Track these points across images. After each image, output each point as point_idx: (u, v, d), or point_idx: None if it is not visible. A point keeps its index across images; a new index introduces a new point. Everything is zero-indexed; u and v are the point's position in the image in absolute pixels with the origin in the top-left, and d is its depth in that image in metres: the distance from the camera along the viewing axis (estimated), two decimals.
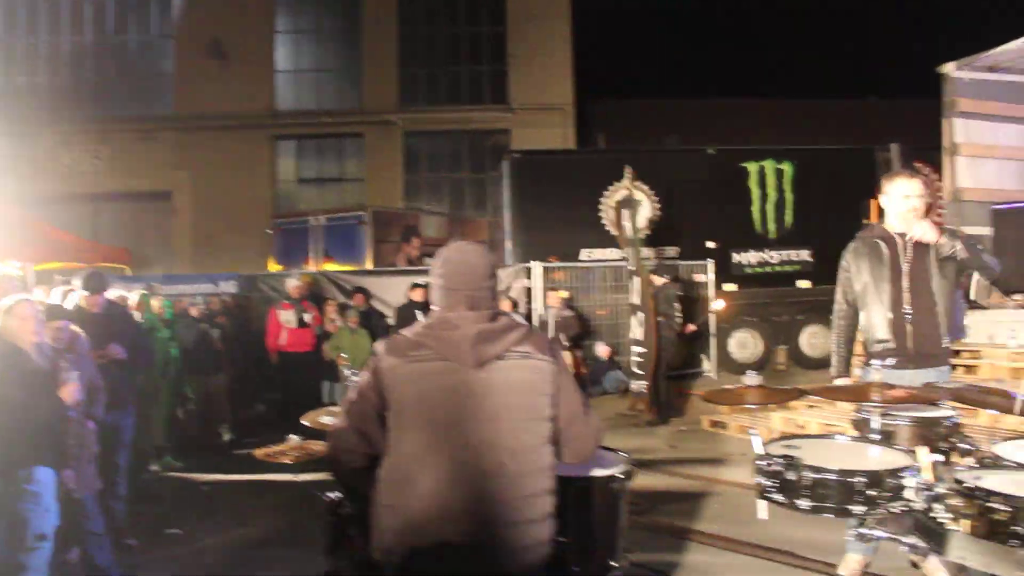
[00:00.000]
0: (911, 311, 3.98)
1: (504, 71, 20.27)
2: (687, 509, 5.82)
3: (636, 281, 10.20)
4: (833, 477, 2.33)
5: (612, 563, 2.79)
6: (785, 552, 4.66)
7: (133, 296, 7.62)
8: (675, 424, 9.52)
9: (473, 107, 20.27)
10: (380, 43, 20.17)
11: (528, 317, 11.44)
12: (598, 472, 2.85)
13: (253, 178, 19.73)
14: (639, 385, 10.08)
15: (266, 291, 11.95)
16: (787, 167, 13.40)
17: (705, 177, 12.91)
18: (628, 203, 10.60)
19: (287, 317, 10.35)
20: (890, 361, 3.90)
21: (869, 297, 4.12)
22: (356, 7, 20.44)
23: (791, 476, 2.34)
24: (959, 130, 9.74)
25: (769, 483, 2.41)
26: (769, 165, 13.37)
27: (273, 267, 14.34)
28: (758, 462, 2.49)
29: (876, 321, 4.10)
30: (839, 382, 4.20)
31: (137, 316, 7.26)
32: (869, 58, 25.94)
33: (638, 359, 10.10)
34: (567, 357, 10.80)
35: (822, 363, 12.60)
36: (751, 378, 2.88)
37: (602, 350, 11.71)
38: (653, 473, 6.97)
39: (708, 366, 12.57)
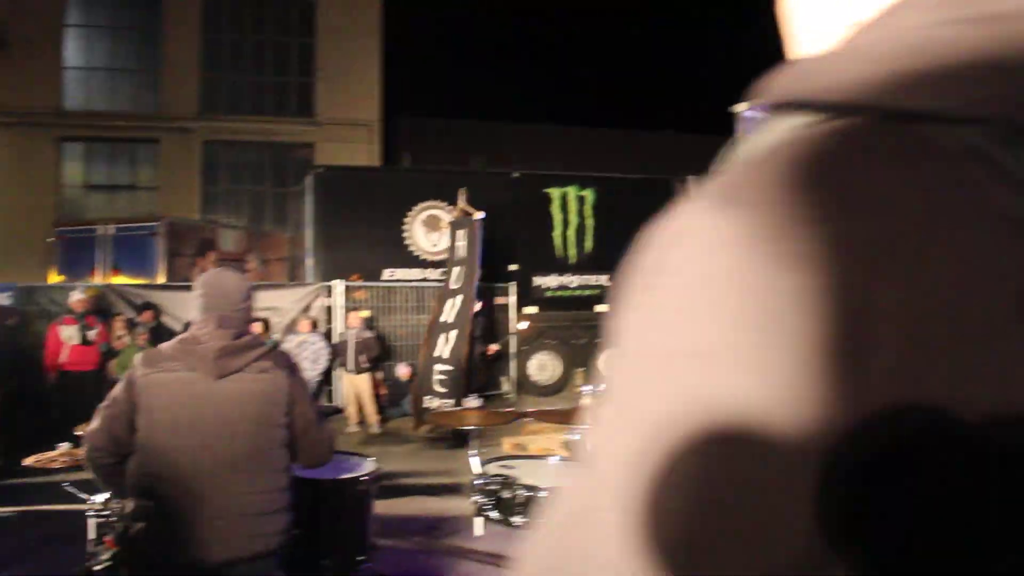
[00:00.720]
0: None
1: (311, 84, 19.98)
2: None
3: (458, 300, 10.33)
4: (546, 494, 2.62)
5: (360, 557, 3.07)
6: None
7: None
8: (475, 446, 9.58)
9: (277, 119, 19.81)
10: (181, 45, 19.24)
11: (328, 336, 11.40)
12: (346, 474, 3.19)
13: (34, 181, 18.12)
14: (443, 404, 10.03)
15: (46, 304, 11.11)
16: (589, 194, 13.84)
17: (509, 200, 13.10)
18: (462, 224, 10.81)
19: (69, 333, 9.73)
20: None
21: None
22: (156, 5, 19.37)
23: (506, 494, 2.67)
24: None
25: (485, 501, 2.72)
26: (572, 191, 13.79)
27: (55, 279, 13.34)
28: (475, 481, 2.80)
29: None
30: None
31: None
32: (668, 94, 27.88)
33: (442, 377, 10.27)
34: (367, 378, 10.89)
35: None
36: (471, 400, 3.22)
37: (403, 371, 11.72)
38: (453, 497, 7.09)
39: (508, 387, 12.90)
